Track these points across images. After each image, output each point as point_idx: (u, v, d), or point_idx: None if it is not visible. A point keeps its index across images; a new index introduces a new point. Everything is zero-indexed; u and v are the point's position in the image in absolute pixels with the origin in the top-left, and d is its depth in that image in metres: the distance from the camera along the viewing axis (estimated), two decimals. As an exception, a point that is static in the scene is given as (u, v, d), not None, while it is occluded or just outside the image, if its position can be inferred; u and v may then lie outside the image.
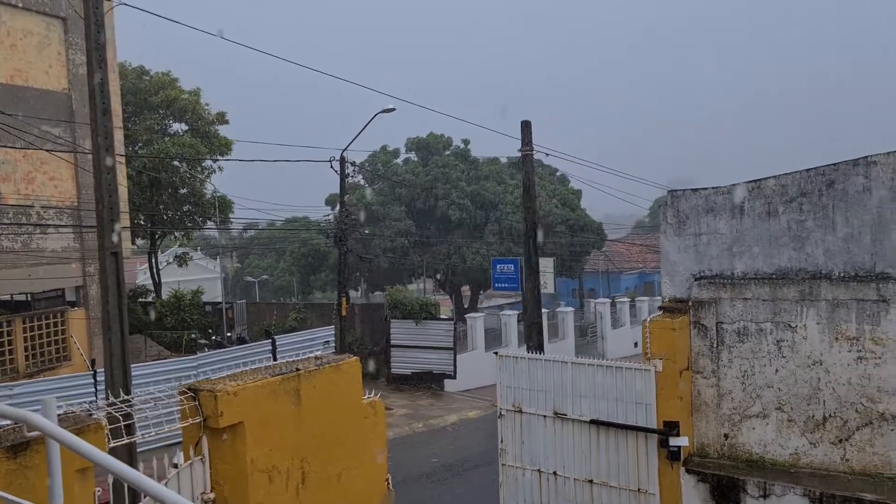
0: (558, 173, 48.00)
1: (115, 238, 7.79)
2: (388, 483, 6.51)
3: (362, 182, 45.69)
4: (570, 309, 35.90)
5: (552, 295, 55.75)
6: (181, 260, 32.77)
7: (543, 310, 34.96)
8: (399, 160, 46.13)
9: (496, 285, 36.17)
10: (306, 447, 5.39)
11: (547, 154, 13.87)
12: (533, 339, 15.04)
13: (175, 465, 4.89)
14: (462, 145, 45.24)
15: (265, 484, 5.09)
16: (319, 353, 6.28)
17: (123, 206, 24.54)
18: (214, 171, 33.72)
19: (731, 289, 10.58)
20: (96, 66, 7.74)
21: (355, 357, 6.01)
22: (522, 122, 13.32)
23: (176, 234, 33.22)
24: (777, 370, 10.28)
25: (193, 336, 27.68)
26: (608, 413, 10.89)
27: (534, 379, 11.59)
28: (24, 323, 20.87)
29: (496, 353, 12.27)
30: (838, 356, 9.84)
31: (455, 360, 26.48)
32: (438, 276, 46.15)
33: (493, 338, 30.19)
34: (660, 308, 11.29)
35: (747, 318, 10.48)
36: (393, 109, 19.56)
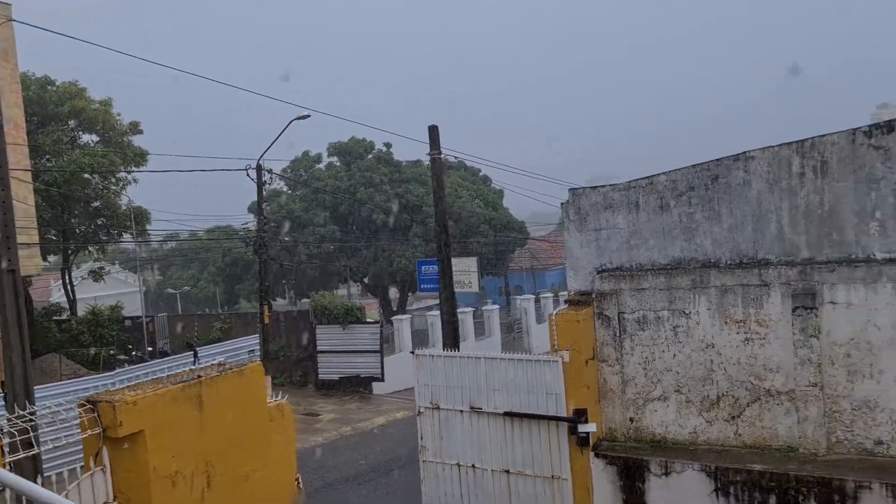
0: (481, 174, 48.70)
1: (9, 257, 7.70)
2: (298, 483, 6.70)
3: (286, 189, 45.36)
4: (496, 307, 36.52)
5: (480, 293, 56.47)
6: (97, 275, 31.86)
7: (469, 308, 35.54)
8: (322, 165, 45.96)
9: (422, 286, 36.53)
10: (211, 451, 5.56)
11: (455, 157, 14.21)
12: (449, 337, 15.40)
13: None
14: (384, 149, 45.39)
15: (169, 489, 5.23)
16: (225, 360, 6.44)
17: (31, 221, 23.82)
18: (130, 183, 32.91)
19: (631, 280, 11.17)
20: (-14, 84, 7.63)
21: (258, 362, 6.20)
22: (430, 127, 13.69)
23: (90, 248, 32.26)
24: (675, 355, 10.92)
25: (112, 352, 27.01)
26: (521, 405, 11.31)
27: (450, 376, 11.93)
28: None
29: (412, 353, 12.57)
30: (728, 338, 10.54)
31: (382, 362, 26.66)
32: (366, 280, 46.18)
33: (421, 339, 30.48)
34: (565, 301, 11.82)
35: (646, 308, 11.09)
36: (308, 116, 19.66)
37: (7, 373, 7.67)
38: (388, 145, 45.45)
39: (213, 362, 6.09)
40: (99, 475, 5.03)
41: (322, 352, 27.24)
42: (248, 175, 20.09)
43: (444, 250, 14.63)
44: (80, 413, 5.03)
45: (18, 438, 4.71)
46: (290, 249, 40.64)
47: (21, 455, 4.70)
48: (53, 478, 9.11)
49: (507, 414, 11.40)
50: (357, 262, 42.38)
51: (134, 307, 40.22)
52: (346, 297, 51.28)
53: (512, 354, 11.68)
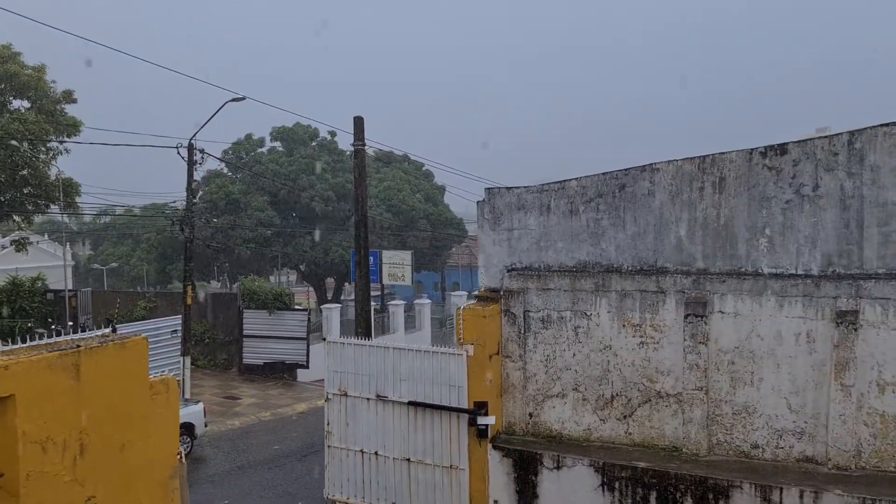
0: (424, 168, 48.91)
1: None
2: (181, 456, 6.82)
3: (226, 171, 44.73)
4: (427, 301, 36.83)
5: (418, 287, 56.68)
6: (20, 245, 30.93)
7: (401, 301, 35.75)
8: (264, 149, 45.49)
9: (354, 277, 36.63)
10: (86, 420, 5.63)
11: (401, 152, 14.35)
12: (361, 325, 15.61)
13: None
14: (329, 137, 45.21)
15: (38, 454, 5.30)
16: (105, 333, 6.50)
17: (-50, 185, 23.03)
18: (60, 153, 32.02)
19: (538, 280, 11.55)
20: None
21: (142, 336, 6.29)
22: (355, 118, 13.86)
23: (15, 217, 31.27)
24: (574, 354, 11.35)
25: (30, 325, 26.33)
26: (425, 395, 11.60)
27: (359, 364, 12.14)
28: None
29: (324, 340, 12.72)
30: (625, 341, 11.01)
31: (308, 350, 26.65)
32: (302, 268, 45.93)
33: (351, 328, 30.54)
34: (475, 297, 12.14)
35: (550, 307, 11.49)
36: (243, 98, 19.57)
37: None
38: (332, 133, 45.28)
39: (97, 334, 6.16)
40: (-35, 437, 5.08)
41: (248, 336, 27.09)
42: (178, 153, 19.88)
43: (362, 241, 14.81)
44: (-50, 375, 5.07)
45: None
46: (226, 232, 40.13)
47: None
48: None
49: (411, 403, 11.67)
50: (294, 250, 42.11)
51: (60, 280, 39.21)
52: (280, 283, 50.91)
53: (419, 346, 11.94)
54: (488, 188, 12.00)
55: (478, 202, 12.10)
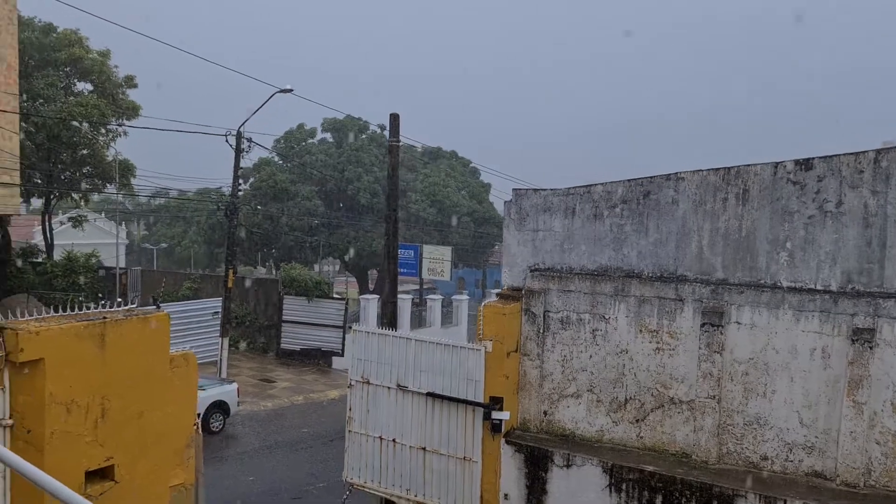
0: (470, 165, 49.23)
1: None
2: (197, 428, 7.28)
3: (277, 159, 45.76)
4: (466, 297, 37.15)
5: (459, 283, 57.04)
6: (76, 222, 32.33)
7: (438, 296, 36.17)
8: (315, 140, 46.41)
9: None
10: (108, 386, 6.11)
11: (402, 143, 14.78)
12: (387, 316, 16.01)
13: None
14: (378, 130, 45.84)
15: (63, 415, 5.79)
16: (128, 309, 6.95)
17: (14, 162, 24.26)
18: (119, 135, 33.33)
19: (559, 281, 11.77)
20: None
21: (165, 312, 6.75)
22: (391, 115, 14.25)
23: (73, 195, 32.69)
24: (591, 356, 11.54)
25: (81, 299, 27.51)
26: (443, 387, 11.92)
27: (382, 353, 12.52)
28: None
29: (351, 328, 13.15)
30: (641, 346, 11.16)
31: (344, 338, 27.24)
32: (346, 258, 46.72)
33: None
34: (497, 295, 12.41)
35: (570, 309, 11.69)
36: (291, 90, 20.15)
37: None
38: (381, 127, 45.90)
39: (121, 308, 6.63)
40: (-2, 394, 5.60)
41: (287, 322, 27.83)
42: (226, 141, 20.57)
43: (392, 235, 15.20)
44: (-12, 337, 5.58)
45: None
46: (273, 219, 41.12)
47: None
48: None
49: (429, 394, 12.01)
50: (338, 240, 42.91)
51: (113, 258, 40.73)
52: (322, 272, 51.80)
53: (440, 339, 12.27)
54: (515, 189, 12.25)
55: (505, 202, 12.36)
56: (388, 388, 12.47)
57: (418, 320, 33.92)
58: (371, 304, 30.26)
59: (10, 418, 5.65)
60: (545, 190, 11.98)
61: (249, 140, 20.76)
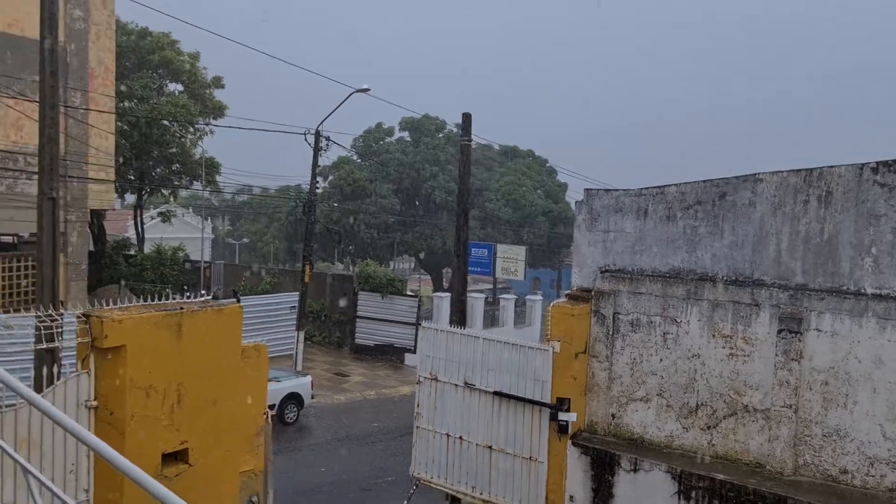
0: (547, 164, 48.90)
1: (51, 186, 8.80)
2: (267, 417, 7.55)
3: (356, 158, 46.61)
4: (539, 297, 36.95)
5: (535, 283, 56.74)
6: (165, 217, 33.81)
7: (511, 296, 36.10)
8: (393, 139, 47.03)
9: (469, 269, 37.26)
10: (184, 374, 6.43)
11: (479, 143, 14.82)
12: (456, 314, 16.11)
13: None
14: (455, 129, 46.05)
15: (142, 399, 6.13)
16: (206, 301, 7.26)
17: (109, 160, 25.56)
18: (206, 134, 34.66)
19: (630, 283, 11.60)
20: (47, 34, 8.69)
21: (238, 304, 7.03)
22: (463, 115, 14.33)
23: (163, 191, 34.20)
24: (661, 360, 11.33)
25: (168, 291, 28.75)
26: (510, 386, 11.93)
27: (450, 351, 12.63)
28: (2, 262, 21.91)
29: (421, 325, 13.31)
30: (713, 351, 10.89)
31: (417, 335, 27.52)
32: (421, 256, 47.18)
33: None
34: (566, 295, 12.34)
35: (640, 311, 11.51)
36: (368, 89, 20.54)
37: (38, 286, 8.81)
38: (458, 126, 46.12)
39: (199, 299, 6.95)
40: (84, 377, 5.97)
41: (361, 317, 28.34)
42: (305, 140, 21.14)
43: (462, 234, 15.29)
44: (77, 323, 5.96)
45: (42, 332, 5.72)
46: (351, 216, 41.92)
47: (44, 346, 5.70)
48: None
49: (496, 393, 12.04)
50: (414, 237, 43.38)
51: (199, 252, 42.39)
52: (397, 269, 52.44)
53: (507, 338, 12.29)
54: (587, 189, 12.15)
55: (576, 202, 12.27)
56: (456, 385, 12.57)
57: (491, 319, 33.94)
58: (444, 302, 30.46)
59: (94, 400, 6.01)
60: (617, 190, 11.84)
61: (328, 139, 21.30)
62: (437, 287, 46.59)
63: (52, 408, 3.27)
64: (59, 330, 6.29)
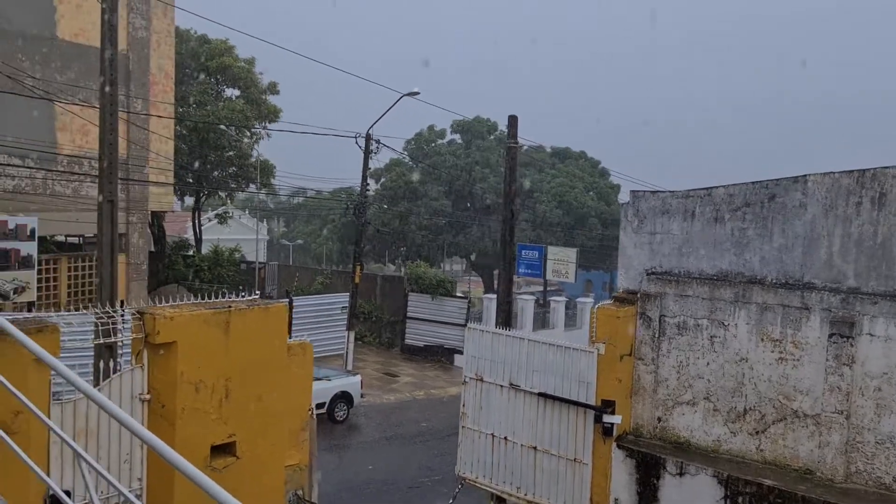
0: (600, 166, 48.46)
1: (109, 190, 9.22)
2: (312, 413, 7.77)
3: (408, 160, 47.02)
4: (590, 300, 36.63)
5: (586, 286, 56.23)
6: (222, 218, 34.70)
7: (562, 298, 35.91)
8: (444, 141, 47.29)
9: (520, 270, 37.21)
10: (231, 369, 6.68)
11: (524, 147, 14.86)
12: (502, 315, 16.16)
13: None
14: (506, 131, 46.04)
15: (192, 393, 6.40)
16: (249, 299, 7.51)
17: (168, 164, 26.42)
18: (262, 137, 35.48)
19: (676, 285, 11.50)
20: (108, 44, 9.11)
21: (284, 303, 7.26)
22: (510, 117, 14.39)
23: (220, 193, 35.12)
24: (708, 363, 11.20)
25: (224, 291, 29.52)
26: (554, 388, 11.95)
27: (495, 352, 12.71)
28: (69, 262, 22.86)
29: (466, 326, 13.43)
30: (762, 355, 10.72)
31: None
32: (472, 258, 47.30)
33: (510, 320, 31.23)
34: (612, 297, 12.29)
35: (687, 314, 11.40)
36: (417, 93, 20.78)
37: (98, 283, 9.27)
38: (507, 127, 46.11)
39: (249, 298, 7.20)
40: (138, 371, 6.26)
41: (411, 318, 28.60)
42: (356, 143, 21.50)
43: (509, 236, 15.34)
44: (132, 320, 6.26)
45: (100, 328, 6.04)
46: (403, 218, 42.31)
47: (103, 341, 6.02)
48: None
49: (541, 394, 12.08)
50: (465, 239, 43.53)
51: (255, 253, 43.36)
52: (448, 272, 52.67)
53: (552, 340, 12.30)
54: (633, 191, 12.09)
55: (622, 204, 12.22)
56: (501, 386, 12.64)
57: (542, 321, 33.84)
58: (492, 304, 30.48)
59: (147, 393, 6.31)
60: (664, 192, 11.75)
61: (378, 142, 21.60)
62: (488, 289, 46.61)
63: (107, 400, 3.47)
64: (116, 326, 6.59)
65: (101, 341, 6.55)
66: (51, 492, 5.40)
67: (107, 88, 9.06)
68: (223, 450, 6.73)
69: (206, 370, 6.49)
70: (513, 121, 14.50)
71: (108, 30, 8.87)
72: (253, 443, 6.92)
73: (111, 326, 6.44)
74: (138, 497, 6.25)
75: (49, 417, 5.52)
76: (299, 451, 7.63)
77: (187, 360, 6.33)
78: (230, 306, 6.73)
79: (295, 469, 7.61)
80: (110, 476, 3.50)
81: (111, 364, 6.69)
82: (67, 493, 5.72)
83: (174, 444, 6.35)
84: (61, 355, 5.66)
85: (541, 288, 50.70)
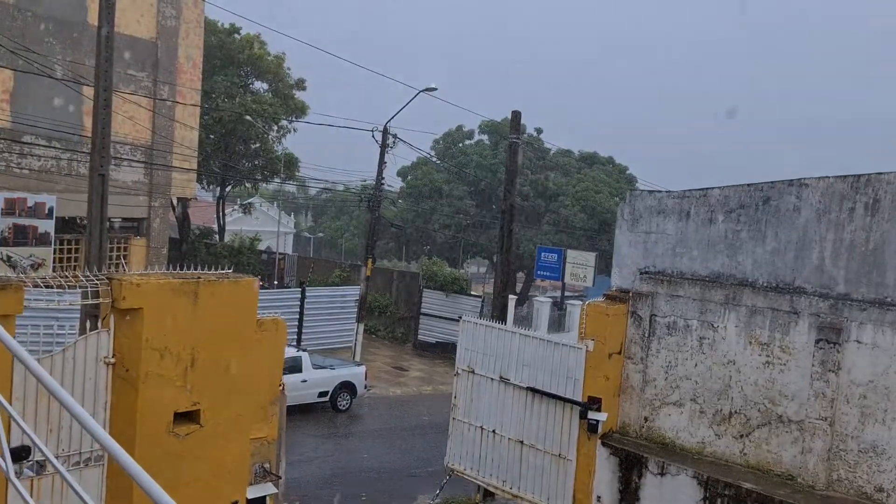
0: (627, 171, 48.07)
1: (101, 163, 9.48)
2: (282, 389, 7.92)
3: (434, 159, 47.14)
4: (608, 305, 36.37)
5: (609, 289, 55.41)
6: (246, 209, 35.18)
7: (577, 301, 35.69)
8: (472, 141, 47.33)
9: (538, 273, 37.15)
10: (198, 339, 6.85)
11: (527, 143, 14.82)
12: (497, 310, 16.20)
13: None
14: (534, 133, 45.99)
15: (157, 359, 6.58)
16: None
17: (193, 151, 26.90)
18: (289, 132, 35.90)
19: (668, 285, 11.46)
20: (104, 22, 9.37)
21: (255, 277, 7.42)
22: (513, 112, 14.41)
23: (246, 184, 35.62)
24: (696, 364, 11.14)
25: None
26: (543, 382, 11.98)
27: (487, 344, 12.78)
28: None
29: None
30: (750, 358, 10.63)
31: (478, 335, 27.66)
32: (494, 258, 47.24)
33: (523, 321, 31.20)
34: (604, 295, 12.27)
35: (678, 314, 11.35)
36: (435, 89, 20.94)
37: (84, 256, 9.55)
38: (538, 130, 46.05)
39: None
40: (104, 335, 6.47)
41: (425, 314, 28.71)
42: (373, 137, 21.70)
43: (506, 233, 15.37)
44: (100, 285, 6.47)
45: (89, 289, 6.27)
46: (426, 217, 42.46)
47: (90, 301, 6.25)
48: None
49: (530, 389, 12.11)
50: (487, 240, 43.52)
51: (283, 245, 43.94)
52: (470, 272, 52.66)
53: (542, 335, 12.32)
54: (631, 190, 12.08)
55: (619, 203, 12.20)
56: (492, 379, 12.70)
57: (557, 324, 33.70)
58: (509, 305, 30.48)
59: (112, 357, 6.51)
60: (660, 192, 11.71)
61: (395, 136, 21.77)
62: (510, 290, 46.51)
63: (48, 377, 3.40)
64: (88, 290, 6.76)
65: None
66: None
67: (101, 65, 9.33)
68: (187, 417, 6.90)
69: (172, 338, 6.66)
70: (515, 115, 14.54)
71: (106, 7, 9.14)
72: (217, 412, 7.08)
73: (89, 290, 6.62)
74: (99, 459, 6.46)
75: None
76: (268, 424, 7.78)
77: (153, 326, 6.52)
78: (199, 277, 6.91)
79: (263, 442, 7.76)
80: (37, 438, 3.52)
81: (87, 326, 6.87)
82: (27, 449, 5.94)
83: (136, 409, 6.56)
84: (25, 313, 5.86)
85: (556, 293, 50.52)
